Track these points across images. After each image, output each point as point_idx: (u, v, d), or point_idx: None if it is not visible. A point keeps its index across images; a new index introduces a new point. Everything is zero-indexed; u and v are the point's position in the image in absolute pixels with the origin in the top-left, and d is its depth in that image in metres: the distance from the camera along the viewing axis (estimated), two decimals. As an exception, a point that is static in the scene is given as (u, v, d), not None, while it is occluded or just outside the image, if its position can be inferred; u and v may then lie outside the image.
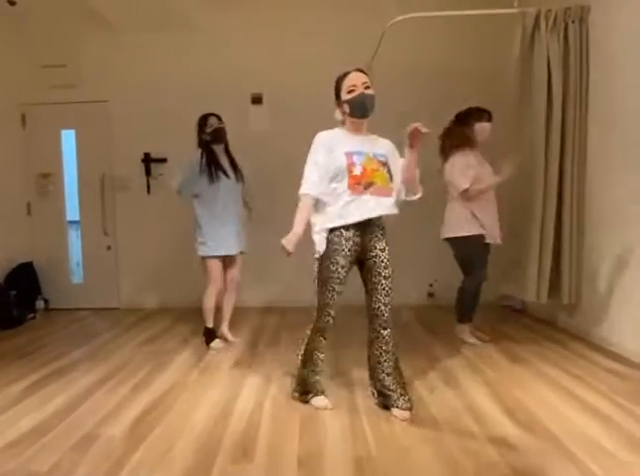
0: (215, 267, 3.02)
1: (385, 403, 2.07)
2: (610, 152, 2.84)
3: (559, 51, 2.97)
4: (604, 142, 2.89)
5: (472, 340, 3.03)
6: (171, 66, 4.19)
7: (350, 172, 2.01)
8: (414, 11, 3.15)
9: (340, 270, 2.02)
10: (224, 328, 3.22)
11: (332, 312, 2.06)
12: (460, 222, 2.96)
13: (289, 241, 1.95)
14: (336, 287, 2.02)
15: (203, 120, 3.03)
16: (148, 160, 4.27)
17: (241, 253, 3.16)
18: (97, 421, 2.00)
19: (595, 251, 3.00)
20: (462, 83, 3.94)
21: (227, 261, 3.11)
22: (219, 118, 3.07)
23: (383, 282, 2.04)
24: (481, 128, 2.89)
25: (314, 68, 4.10)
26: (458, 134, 2.95)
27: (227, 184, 3.02)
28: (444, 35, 3.95)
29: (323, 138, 2.07)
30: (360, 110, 2.04)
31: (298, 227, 1.99)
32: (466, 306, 3.06)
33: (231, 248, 3.05)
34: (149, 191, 4.31)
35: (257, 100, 4.23)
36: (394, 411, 2.01)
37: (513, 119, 3.22)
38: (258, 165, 4.10)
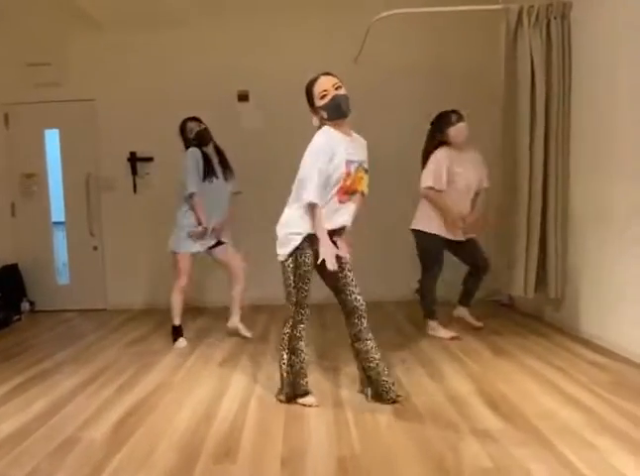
0: (188, 262, 3.06)
1: (378, 391, 2.11)
2: (593, 148, 2.86)
3: (541, 47, 2.98)
4: (587, 138, 2.91)
5: (442, 334, 3.07)
6: (158, 65, 4.15)
7: (344, 181, 2.05)
8: (400, 8, 3.15)
9: (311, 266, 2.08)
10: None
11: (308, 305, 2.12)
12: (423, 217, 3.06)
13: (330, 257, 1.98)
14: (309, 282, 2.09)
15: (183, 126, 3.08)
16: (134, 159, 4.23)
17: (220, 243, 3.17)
18: (79, 425, 1.98)
19: (579, 246, 3.02)
20: (448, 79, 3.95)
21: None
22: (197, 120, 3.08)
23: (349, 274, 2.13)
24: (456, 131, 2.92)
25: (300, 65, 4.07)
26: (430, 143, 3.03)
27: (217, 184, 3.07)
28: (430, 31, 3.95)
29: (323, 144, 2.02)
30: (337, 112, 2.03)
31: (326, 239, 2.01)
32: (426, 302, 3.14)
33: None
34: (135, 191, 4.27)
35: (243, 97, 4.21)
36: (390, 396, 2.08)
37: (500, 115, 3.25)
38: (246, 162, 4.10)
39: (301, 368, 2.13)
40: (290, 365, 2.11)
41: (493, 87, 3.26)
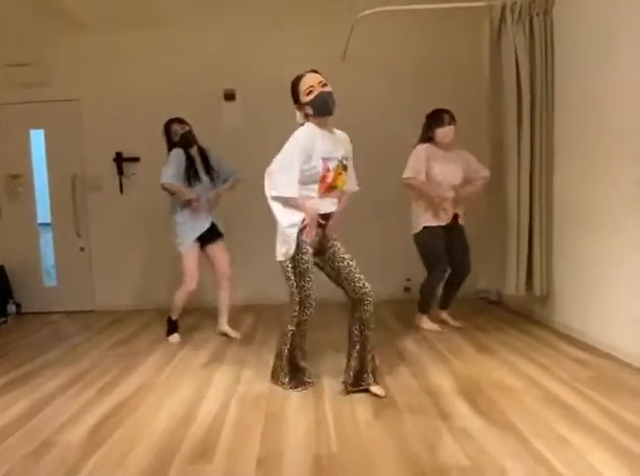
0: (193, 260, 3.09)
1: (361, 382, 2.16)
2: (576, 144, 2.86)
3: (525, 43, 2.98)
4: (570, 134, 2.92)
5: (429, 326, 3.16)
6: (143, 64, 4.13)
7: (324, 178, 2.10)
8: (384, 5, 3.14)
9: (311, 260, 2.13)
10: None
11: (313, 303, 2.16)
12: (413, 220, 3.11)
13: (311, 227, 2.06)
14: (312, 277, 2.12)
15: (167, 127, 3.07)
16: (120, 159, 4.21)
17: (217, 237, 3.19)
18: (56, 428, 1.96)
19: (564, 244, 3.03)
20: (433, 76, 3.94)
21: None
22: (181, 121, 3.07)
23: (352, 263, 2.17)
24: (442, 133, 2.95)
25: (287, 64, 4.05)
26: (422, 135, 3.08)
27: (201, 188, 3.07)
28: (415, 28, 3.94)
29: (301, 140, 2.05)
30: (323, 109, 2.06)
31: (310, 209, 2.07)
32: (424, 299, 3.18)
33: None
34: (121, 191, 4.25)
35: (229, 96, 4.19)
36: (373, 388, 2.14)
37: (486, 111, 3.25)
38: (231, 162, 4.08)
39: (302, 365, 2.29)
40: (290, 359, 2.26)
41: (478, 84, 3.26)
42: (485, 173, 3.06)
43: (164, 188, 2.99)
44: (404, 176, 2.99)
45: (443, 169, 2.97)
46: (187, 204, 3.02)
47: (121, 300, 4.29)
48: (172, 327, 3.24)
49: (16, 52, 4.11)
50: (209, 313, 3.85)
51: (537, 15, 2.96)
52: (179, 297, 3.13)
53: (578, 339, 2.85)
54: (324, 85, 2.05)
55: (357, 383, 2.17)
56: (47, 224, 4.33)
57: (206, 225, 3.08)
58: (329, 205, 2.18)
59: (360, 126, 3.66)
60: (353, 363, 2.17)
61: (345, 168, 2.17)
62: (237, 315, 3.87)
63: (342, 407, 2.07)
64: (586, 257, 2.81)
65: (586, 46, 2.72)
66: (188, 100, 4.05)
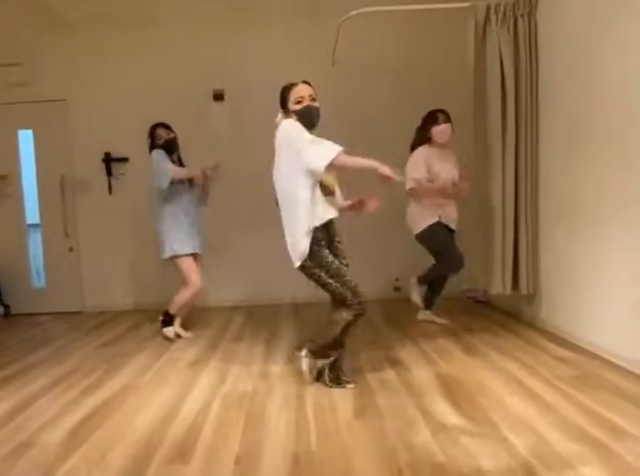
0: (191, 262, 3.10)
1: (339, 377, 2.24)
2: (561, 145, 2.88)
3: (509, 44, 3.00)
4: (555, 132, 2.93)
5: (416, 299, 3.23)
6: (131, 64, 4.13)
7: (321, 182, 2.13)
8: (371, 6, 3.15)
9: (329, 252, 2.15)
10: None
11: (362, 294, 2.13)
12: (417, 218, 3.13)
13: (384, 169, 2.06)
14: (340, 267, 2.13)
15: (152, 131, 3.10)
16: (108, 159, 4.20)
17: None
18: (36, 429, 1.95)
19: (550, 243, 3.05)
20: (421, 78, 3.97)
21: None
22: (168, 127, 3.09)
23: (349, 263, 2.24)
24: (437, 132, 3.01)
25: (277, 64, 4.08)
26: (417, 137, 3.14)
27: (184, 195, 3.11)
28: (402, 29, 3.96)
29: (300, 128, 2.07)
30: (308, 121, 2.11)
31: (368, 162, 2.07)
32: (431, 276, 3.18)
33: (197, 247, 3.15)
34: (110, 192, 4.24)
35: (218, 97, 4.19)
36: (349, 385, 2.23)
37: (471, 112, 3.26)
38: (221, 163, 4.08)
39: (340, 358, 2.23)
40: (334, 345, 2.19)
41: (464, 83, 3.27)
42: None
43: (179, 181, 3.00)
44: (407, 188, 3.04)
45: (442, 168, 3.04)
46: (174, 213, 3.04)
47: (110, 302, 4.28)
48: (168, 320, 3.20)
49: (3, 52, 4.10)
50: (200, 313, 3.86)
51: (521, 16, 2.98)
52: (184, 297, 3.11)
53: (563, 338, 2.86)
54: (313, 99, 2.12)
55: (337, 379, 2.25)
56: (35, 225, 4.32)
57: (198, 246, 3.14)
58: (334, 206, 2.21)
59: (348, 125, 3.69)
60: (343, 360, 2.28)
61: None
62: (228, 315, 3.88)
63: (323, 405, 2.07)
64: (572, 256, 2.82)
65: (570, 47, 2.74)
66: (177, 100, 4.06)
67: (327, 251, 2.13)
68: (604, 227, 2.51)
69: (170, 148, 3.07)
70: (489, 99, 3.05)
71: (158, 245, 3.15)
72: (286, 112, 2.14)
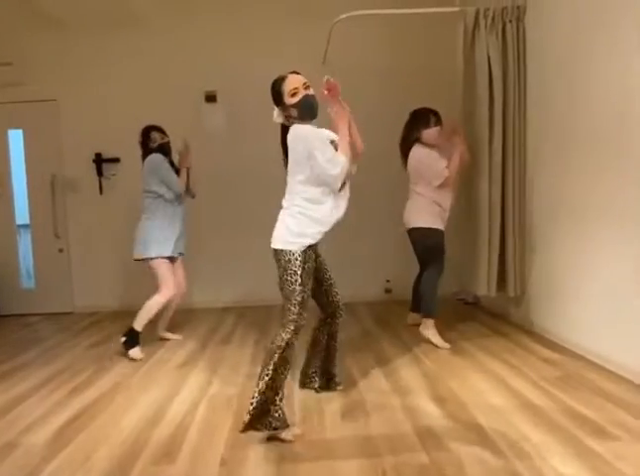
0: (167, 266, 3.00)
1: (328, 384, 2.23)
2: (548, 149, 2.92)
3: (498, 49, 3.03)
4: (542, 135, 2.97)
5: (436, 340, 2.86)
6: (123, 65, 4.11)
7: None
8: (362, 9, 3.18)
9: (314, 263, 2.03)
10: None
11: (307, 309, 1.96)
12: (423, 214, 2.97)
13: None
14: (311, 280, 1.98)
15: (146, 133, 3.04)
16: (99, 160, 4.19)
17: (180, 255, 3.16)
18: (22, 429, 1.95)
19: (537, 245, 3.08)
20: (410, 81, 3.99)
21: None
22: (162, 131, 3.06)
23: (331, 275, 2.16)
24: (428, 134, 2.93)
25: (268, 66, 4.08)
26: (407, 134, 3.03)
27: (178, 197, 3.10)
28: (392, 32, 3.99)
29: (312, 130, 1.95)
30: (309, 112, 1.99)
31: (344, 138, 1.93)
32: (432, 298, 2.98)
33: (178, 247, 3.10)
34: (101, 192, 4.23)
35: (210, 98, 4.19)
36: (338, 386, 2.23)
37: (459, 115, 3.29)
38: (211, 164, 4.09)
39: (282, 386, 1.84)
40: (273, 379, 1.80)
41: (453, 88, 3.31)
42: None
43: (186, 196, 3.10)
44: (440, 181, 2.87)
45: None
46: (164, 214, 3.01)
47: (100, 302, 4.26)
48: (135, 339, 2.88)
49: (-7, 52, 4.08)
50: (190, 314, 3.86)
51: (510, 22, 3.02)
52: (154, 306, 2.91)
53: (550, 340, 2.90)
54: (307, 87, 1.99)
55: (328, 383, 2.25)
56: (25, 225, 4.30)
57: (181, 247, 3.10)
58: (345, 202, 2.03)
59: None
60: (312, 369, 2.25)
61: None
62: (220, 316, 3.88)
63: (310, 407, 2.09)
64: (559, 258, 2.86)
65: (557, 52, 2.78)
66: (169, 102, 4.05)
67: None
68: (591, 229, 2.55)
69: (165, 152, 3.04)
70: (478, 103, 3.07)
71: (135, 242, 3.03)
72: (284, 107, 2.00)
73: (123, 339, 2.89)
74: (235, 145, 4.12)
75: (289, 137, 1.95)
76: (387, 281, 4.29)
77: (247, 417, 1.76)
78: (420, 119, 2.98)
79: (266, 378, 1.79)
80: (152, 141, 3.02)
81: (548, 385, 2.22)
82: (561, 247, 2.83)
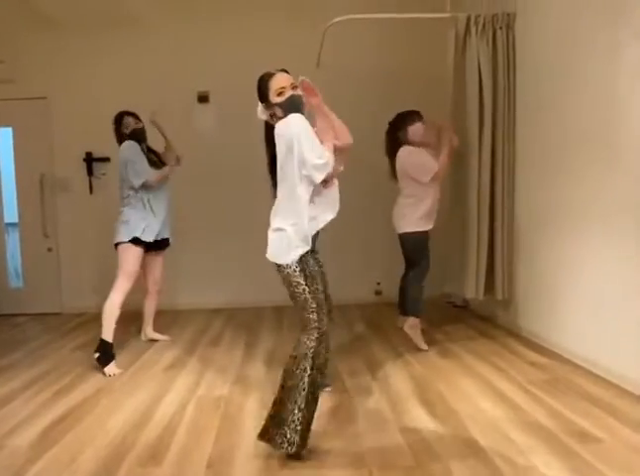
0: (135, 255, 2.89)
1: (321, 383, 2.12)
2: (538, 153, 2.95)
3: (488, 55, 3.07)
4: (531, 141, 3.01)
5: (417, 340, 2.89)
6: (115, 64, 4.09)
7: None
8: (356, 13, 3.20)
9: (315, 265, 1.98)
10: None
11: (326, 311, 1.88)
12: (411, 219, 2.97)
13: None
14: (319, 282, 1.93)
15: (119, 118, 2.97)
16: (90, 159, 4.16)
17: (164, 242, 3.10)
18: (6, 431, 1.93)
19: (527, 248, 3.11)
20: (401, 85, 4.02)
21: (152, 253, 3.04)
22: (135, 116, 2.99)
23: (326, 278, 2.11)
24: (414, 129, 2.94)
25: (261, 67, 4.09)
26: (391, 140, 3.03)
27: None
28: (385, 36, 4.01)
29: (305, 124, 1.87)
30: (295, 112, 1.93)
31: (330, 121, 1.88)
32: (418, 297, 2.99)
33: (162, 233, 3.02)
34: (91, 192, 4.19)
35: (203, 99, 4.19)
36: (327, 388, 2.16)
37: (449, 120, 3.32)
38: (203, 164, 4.08)
39: (317, 398, 1.74)
40: (307, 396, 1.68)
41: (444, 93, 3.33)
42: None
43: (149, 186, 2.89)
44: (429, 177, 2.85)
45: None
46: (141, 200, 2.92)
47: (89, 303, 4.20)
48: (108, 354, 2.64)
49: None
50: (179, 315, 3.84)
51: (500, 28, 3.06)
52: (114, 307, 2.72)
53: (538, 343, 2.92)
54: (294, 87, 1.96)
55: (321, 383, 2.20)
56: (13, 224, 4.25)
57: (166, 233, 3.03)
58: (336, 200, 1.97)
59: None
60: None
61: None
62: (208, 318, 3.86)
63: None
64: (547, 261, 2.89)
65: (547, 58, 2.82)
66: (161, 102, 4.03)
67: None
68: (579, 233, 2.58)
69: (138, 138, 2.96)
70: (468, 109, 3.10)
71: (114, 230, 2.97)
72: (268, 105, 1.96)
73: (96, 355, 2.65)
74: (226, 145, 4.11)
75: (276, 131, 1.88)
76: (378, 283, 4.30)
77: (289, 444, 1.64)
78: (402, 120, 2.98)
79: (304, 392, 1.66)
80: (124, 126, 2.93)
81: (535, 388, 2.24)
82: (548, 250, 2.86)
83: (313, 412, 1.72)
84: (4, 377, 2.59)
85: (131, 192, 2.96)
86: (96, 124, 4.09)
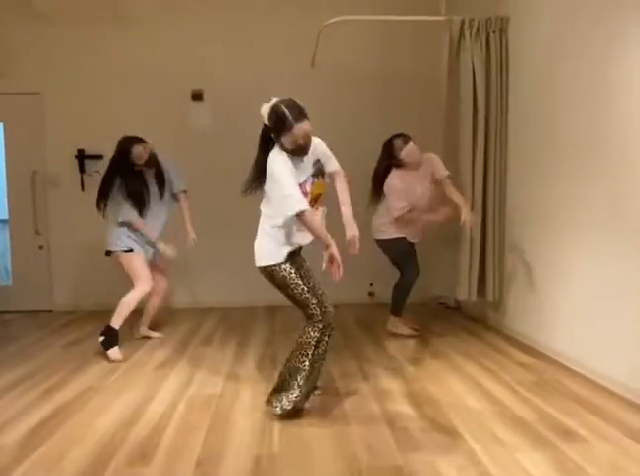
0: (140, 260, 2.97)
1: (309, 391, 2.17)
2: (529, 154, 2.98)
3: (482, 58, 3.09)
4: (523, 143, 3.03)
5: (402, 330, 3.19)
6: (109, 61, 4.06)
7: (305, 196, 1.96)
8: (351, 13, 3.21)
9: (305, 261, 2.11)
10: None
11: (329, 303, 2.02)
12: (386, 226, 3.11)
13: (334, 250, 1.97)
14: (312, 276, 2.07)
15: (127, 148, 2.84)
16: (82, 156, 4.13)
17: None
18: (-7, 429, 1.91)
19: (518, 250, 3.14)
20: (395, 87, 4.04)
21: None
22: (142, 141, 2.87)
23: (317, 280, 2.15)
24: (408, 151, 2.95)
25: (256, 65, 4.10)
26: (381, 166, 3.04)
27: (153, 201, 3.00)
28: (379, 38, 4.02)
29: (284, 165, 1.89)
30: (301, 154, 1.94)
31: (327, 238, 1.97)
32: (400, 301, 3.21)
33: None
34: (83, 189, 4.16)
35: (197, 97, 4.17)
36: (316, 391, 2.18)
37: (443, 123, 3.34)
38: (197, 165, 4.06)
39: (315, 379, 2.04)
40: (307, 376, 1.95)
41: (438, 96, 3.35)
42: (443, 172, 3.01)
43: (124, 224, 2.95)
44: (395, 216, 3.01)
45: (413, 194, 2.99)
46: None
47: (80, 301, 4.19)
48: (113, 339, 2.80)
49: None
50: (171, 315, 3.82)
51: (494, 32, 3.08)
52: (132, 302, 2.87)
53: (527, 345, 2.95)
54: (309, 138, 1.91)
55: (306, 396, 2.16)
56: (3, 221, 4.20)
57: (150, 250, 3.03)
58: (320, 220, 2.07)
59: (327, 131, 3.72)
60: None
61: (318, 175, 2.05)
62: (200, 317, 3.85)
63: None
64: (536, 264, 2.92)
65: (540, 62, 2.85)
66: (155, 100, 4.02)
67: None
68: (569, 237, 2.61)
69: (150, 164, 2.92)
70: (461, 110, 3.13)
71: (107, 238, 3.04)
72: (278, 138, 1.89)
73: (101, 338, 2.83)
74: (221, 144, 4.10)
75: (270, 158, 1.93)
76: (370, 284, 4.31)
77: (281, 408, 1.94)
78: (390, 148, 2.99)
79: (304, 372, 1.93)
80: (136, 157, 2.81)
81: (523, 389, 2.26)
82: (537, 253, 2.89)
83: (311, 389, 2.03)
84: (-8, 375, 2.57)
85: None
86: (89, 121, 4.09)
